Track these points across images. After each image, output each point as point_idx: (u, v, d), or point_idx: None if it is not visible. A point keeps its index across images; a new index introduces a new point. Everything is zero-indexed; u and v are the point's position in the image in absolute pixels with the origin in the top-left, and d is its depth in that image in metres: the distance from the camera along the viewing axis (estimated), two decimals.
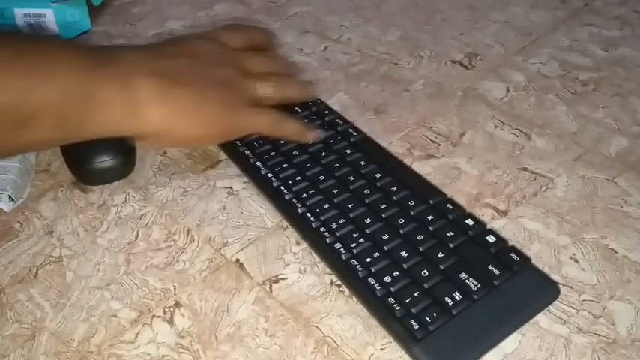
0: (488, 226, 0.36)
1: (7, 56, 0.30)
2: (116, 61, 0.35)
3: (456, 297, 0.31)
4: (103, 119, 0.34)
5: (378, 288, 0.32)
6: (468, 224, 0.36)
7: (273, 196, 0.39)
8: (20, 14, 0.58)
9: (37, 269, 0.36)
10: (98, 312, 0.34)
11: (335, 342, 0.32)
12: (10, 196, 0.39)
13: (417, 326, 0.30)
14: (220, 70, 0.40)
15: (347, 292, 0.35)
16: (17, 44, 0.31)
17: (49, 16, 0.58)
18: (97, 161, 0.40)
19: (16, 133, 0.31)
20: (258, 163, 0.41)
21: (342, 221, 0.36)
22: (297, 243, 0.38)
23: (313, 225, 0.36)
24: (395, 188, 0.38)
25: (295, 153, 0.42)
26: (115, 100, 0.34)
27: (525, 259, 0.34)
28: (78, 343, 0.32)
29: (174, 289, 0.35)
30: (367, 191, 0.38)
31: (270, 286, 0.35)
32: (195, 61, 0.40)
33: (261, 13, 0.66)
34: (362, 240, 0.35)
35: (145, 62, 0.36)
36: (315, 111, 0.47)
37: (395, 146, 0.46)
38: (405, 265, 0.33)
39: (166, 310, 0.34)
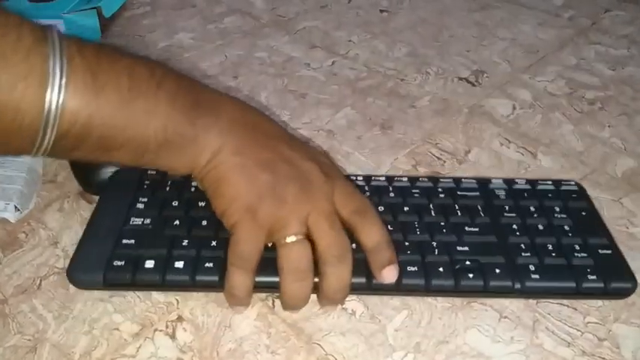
0: None
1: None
2: (217, 112, 0.34)
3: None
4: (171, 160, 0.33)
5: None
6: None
7: None
8: None
9: (40, 280, 0.36)
10: (100, 325, 0.34)
11: None
12: (15, 206, 0.40)
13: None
14: (310, 186, 0.34)
15: (350, 309, 0.34)
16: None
17: (60, 27, 0.59)
18: (104, 171, 0.41)
19: (99, 154, 0.31)
20: None
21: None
22: None
23: None
24: None
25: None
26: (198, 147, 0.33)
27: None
28: (79, 356, 0.32)
29: (177, 302, 0.35)
30: None
31: (273, 301, 0.35)
32: (295, 172, 0.34)
33: (270, 27, 0.67)
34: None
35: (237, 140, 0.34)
36: None
37: (400, 162, 0.46)
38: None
39: (169, 324, 0.34)
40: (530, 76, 0.58)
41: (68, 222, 0.40)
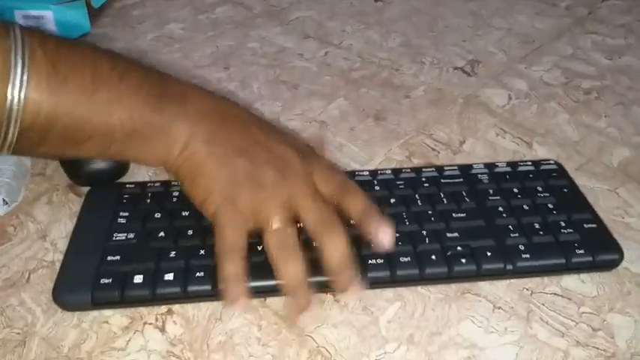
0: None
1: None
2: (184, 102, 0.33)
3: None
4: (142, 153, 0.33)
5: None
6: None
7: None
8: (20, 15, 0.58)
9: (29, 274, 0.36)
10: (89, 318, 0.33)
11: (329, 352, 0.31)
12: (4, 200, 0.39)
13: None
14: (288, 169, 0.34)
15: (342, 301, 0.34)
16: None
17: (49, 18, 0.58)
18: (92, 162, 0.40)
19: (66, 147, 0.31)
20: None
21: None
22: None
23: None
24: None
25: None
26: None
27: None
28: (68, 349, 0.32)
29: None
30: None
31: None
32: (271, 156, 0.34)
33: (262, 17, 0.66)
34: None
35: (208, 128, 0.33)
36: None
37: (394, 154, 0.46)
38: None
39: (158, 317, 0.33)
40: (526, 66, 0.57)
41: (57, 215, 0.40)
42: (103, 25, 0.64)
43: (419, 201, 0.38)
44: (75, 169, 0.41)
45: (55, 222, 0.39)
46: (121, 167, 0.42)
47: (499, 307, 0.34)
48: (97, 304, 0.33)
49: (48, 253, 0.37)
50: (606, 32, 0.63)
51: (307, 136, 0.47)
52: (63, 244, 0.37)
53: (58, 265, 0.35)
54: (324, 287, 0.34)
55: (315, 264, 0.34)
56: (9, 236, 0.38)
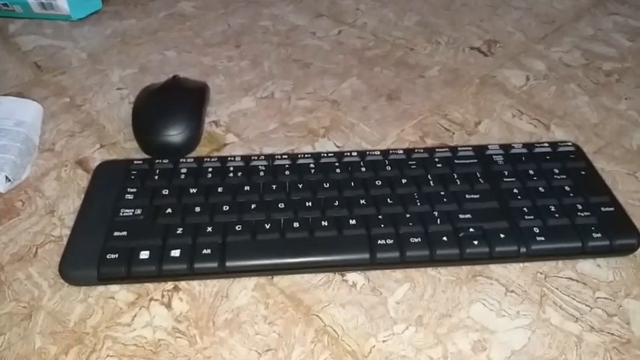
0: None
1: None
2: None
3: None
4: None
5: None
6: None
7: None
8: None
9: (36, 248, 0.36)
10: (95, 293, 0.33)
11: (336, 332, 0.31)
12: (7, 177, 0.39)
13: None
14: None
15: (350, 281, 0.33)
16: None
17: None
18: (164, 135, 0.40)
19: None
20: None
21: None
22: None
23: None
24: None
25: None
26: None
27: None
28: (74, 323, 0.31)
29: None
30: None
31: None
32: None
33: None
34: None
35: None
36: None
37: (407, 134, 0.45)
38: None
39: (164, 293, 0.33)
40: (545, 47, 0.55)
41: (65, 191, 0.40)
42: (114, 2, 0.63)
43: (431, 182, 0.37)
44: (147, 142, 0.41)
45: (63, 197, 0.39)
46: (192, 142, 0.42)
47: (512, 291, 0.33)
48: (103, 279, 0.33)
49: (55, 228, 0.37)
50: (628, 13, 0.61)
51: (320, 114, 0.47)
52: (70, 220, 0.37)
53: (65, 240, 0.35)
54: (332, 266, 0.33)
55: (322, 243, 0.33)
56: (17, 211, 0.38)
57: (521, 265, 0.34)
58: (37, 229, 0.37)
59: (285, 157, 0.39)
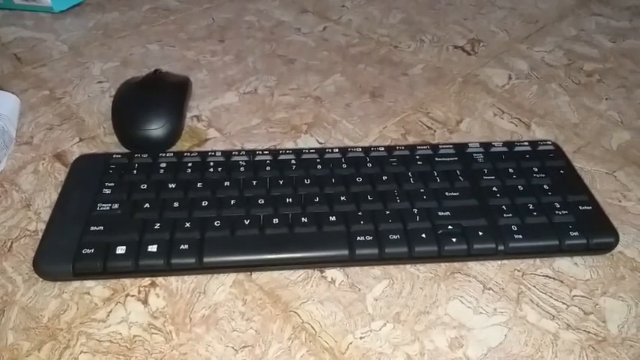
0: None
1: None
2: None
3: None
4: None
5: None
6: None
7: None
8: None
9: (11, 242, 0.35)
10: (70, 288, 0.32)
11: (313, 329, 0.31)
12: None
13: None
14: None
15: (329, 277, 0.33)
16: None
17: None
18: (144, 129, 0.40)
19: None
20: None
21: None
22: None
23: None
24: None
25: None
26: None
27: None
28: (48, 319, 0.31)
29: None
30: None
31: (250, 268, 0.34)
32: None
33: None
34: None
35: None
36: None
37: (389, 131, 0.45)
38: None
39: (141, 289, 0.33)
40: (528, 46, 0.56)
41: (42, 184, 0.39)
42: None
43: (411, 179, 0.37)
44: (124, 135, 0.41)
45: (40, 191, 0.39)
46: (172, 136, 0.42)
47: (489, 288, 0.33)
48: (79, 274, 0.32)
49: (31, 223, 0.36)
50: (611, 14, 0.62)
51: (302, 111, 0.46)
52: (47, 214, 0.36)
53: (41, 235, 0.34)
54: (311, 263, 0.33)
55: (301, 239, 0.33)
56: None
57: (499, 262, 0.34)
58: (12, 223, 0.36)
59: (267, 152, 0.39)
